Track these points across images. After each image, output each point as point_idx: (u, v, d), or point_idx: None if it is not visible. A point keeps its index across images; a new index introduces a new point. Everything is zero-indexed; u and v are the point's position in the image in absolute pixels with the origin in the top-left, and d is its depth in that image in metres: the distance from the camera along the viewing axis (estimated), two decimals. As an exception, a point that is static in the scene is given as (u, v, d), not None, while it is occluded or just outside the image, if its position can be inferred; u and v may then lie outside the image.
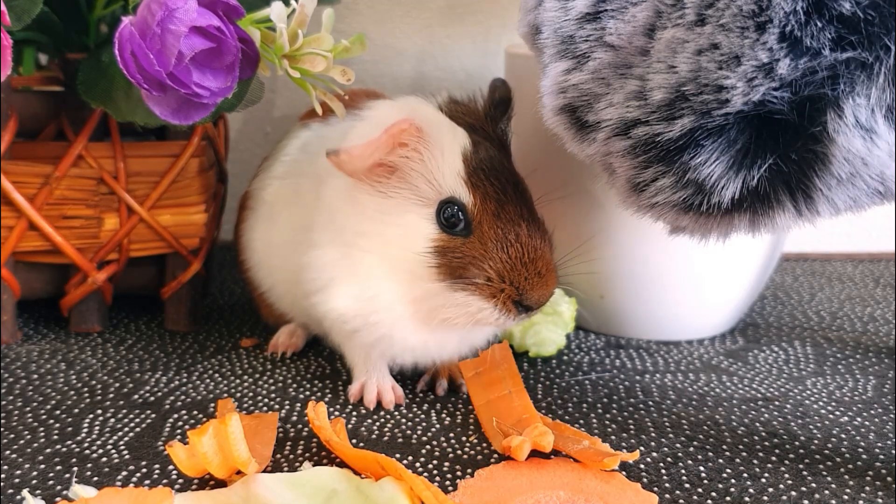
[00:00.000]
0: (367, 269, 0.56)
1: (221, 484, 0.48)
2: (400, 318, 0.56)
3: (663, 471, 0.51)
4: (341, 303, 0.56)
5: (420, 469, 0.51)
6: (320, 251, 0.57)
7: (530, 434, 0.52)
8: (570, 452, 0.51)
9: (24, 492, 0.47)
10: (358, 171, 0.55)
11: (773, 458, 0.53)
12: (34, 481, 0.49)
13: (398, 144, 0.54)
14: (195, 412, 0.58)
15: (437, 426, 0.57)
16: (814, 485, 0.50)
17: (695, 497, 0.48)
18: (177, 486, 0.48)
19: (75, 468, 0.50)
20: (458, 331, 0.58)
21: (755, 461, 0.53)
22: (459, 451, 0.53)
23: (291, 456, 0.52)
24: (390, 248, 0.55)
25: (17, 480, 0.49)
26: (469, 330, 0.58)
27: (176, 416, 0.57)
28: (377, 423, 0.57)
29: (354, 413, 0.59)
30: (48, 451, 0.52)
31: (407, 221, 0.55)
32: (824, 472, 0.51)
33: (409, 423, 0.57)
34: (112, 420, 0.57)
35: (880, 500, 0.48)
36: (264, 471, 0.50)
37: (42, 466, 0.50)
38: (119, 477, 0.49)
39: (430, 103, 0.59)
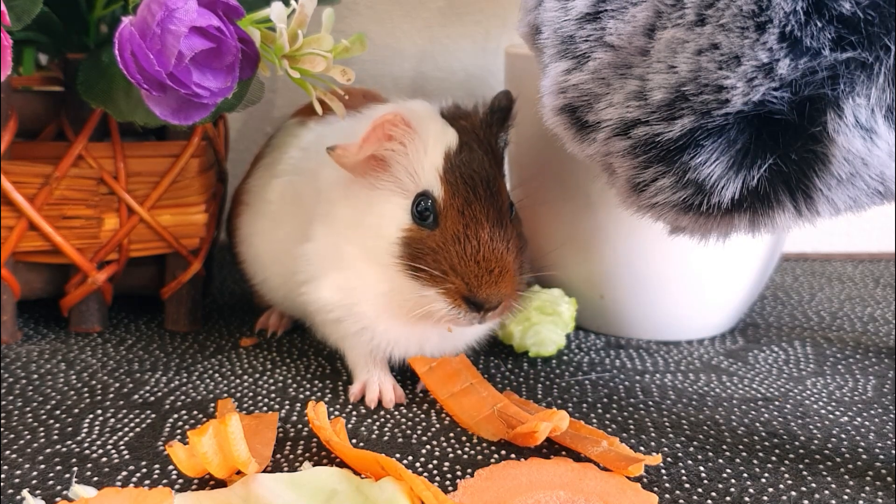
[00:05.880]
0: (350, 261, 0.58)
1: (221, 484, 0.48)
2: (379, 311, 0.58)
3: (663, 471, 0.51)
4: (325, 293, 0.59)
5: (420, 469, 0.51)
6: (313, 244, 0.60)
7: (550, 418, 0.52)
8: (592, 456, 0.51)
9: (24, 492, 0.47)
10: (354, 166, 0.57)
11: (773, 458, 0.53)
12: (34, 481, 0.49)
13: (386, 137, 0.56)
14: (195, 412, 0.58)
15: (437, 426, 0.57)
16: (814, 485, 0.50)
17: (695, 497, 0.48)
18: (177, 486, 0.48)
19: (75, 468, 0.50)
20: (436, 327, 0.59)
21: (755, 461, 0.53)
22: (459, 451, 0.53)
23: (291, 456, 0.52)
24: (367, 236, 0.57)
25: (17, 480, 0.49)
26: (445, 327, 0.59)
27: (176, 416, 0.57)
28: (377, 423, 0.57)
29: (354, 413, 0.59)
30: (48, 451, 0.52)
31: (386, 211, 0.57)
32: (824, 472, 0.51)
33: (409, 423, 0.57)
34: (112, 420, 0.57)
35: (880, 500, 0.48)
36: (264, 471, 0.50)
37: (42, 466, 0.50)
38: (119, 477, 0.49)
39: (432, 105, 0.61)
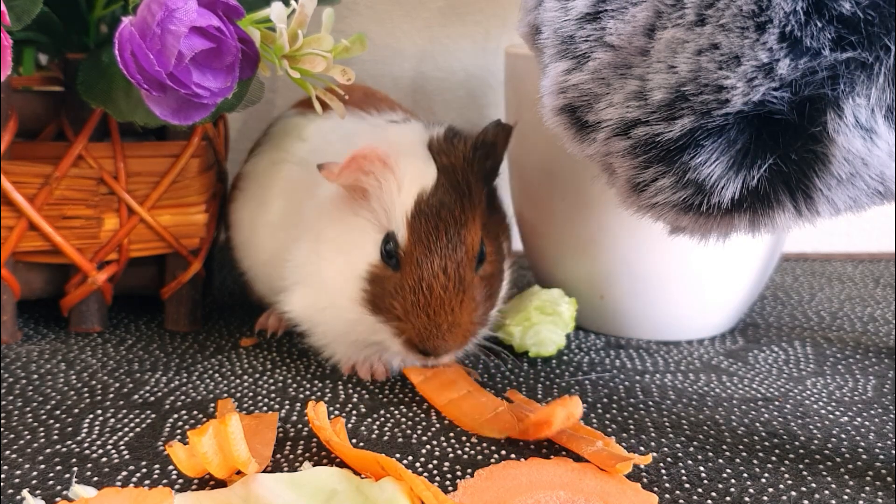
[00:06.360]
0: (326, 281, 0.60)
1: (221, 484, 0.48)
2: (341, 334, 0.62)
3: (663, 471, 0.51)
4: (296, 307, 0.62)
5: (420, 469, 0.51)
6: (301, 245, 0.62)
7: (565, 404, 0.52)
8: (585, 455, 0.51)
9: (24, 492, 0.47)
10: (341, 185, 0.59)
11: (773, 458, 0.53)
12: (34, 481, 0.49)
13: (362, 171, 0.58)
14: (195, 412, 0.58)
15: (437, 426, 0.57)
16: (814, 485, 0.50)
17: (695, 497, 0.48)
18: (177, 486, 0.48)
19: (75, 468, 0.50)
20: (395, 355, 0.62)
21: (755, 461, 0.53)
22: (459, 451, 0.53)
23: (291, 456, 0.52)
24: (343, 262, 0.59)
25: (17, 480, 0.49)
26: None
27: (176, 416, 0.57)
28: (377, 423, 0.57)
29: (354, 413, 0.59)
30: (48, 451, 0.52)
31: (360, 241, 0.59)
32: (824, 472, 0.51)
33: (409, 423, 0.57)
34: (112, 420, 0.57)
35: (880, 500, 0.48)
36: (264, 471, 0.50)
37: (42, 466, 0.50)
38: (119, 477, 0.49)
39: (425, 134, 0.62)
